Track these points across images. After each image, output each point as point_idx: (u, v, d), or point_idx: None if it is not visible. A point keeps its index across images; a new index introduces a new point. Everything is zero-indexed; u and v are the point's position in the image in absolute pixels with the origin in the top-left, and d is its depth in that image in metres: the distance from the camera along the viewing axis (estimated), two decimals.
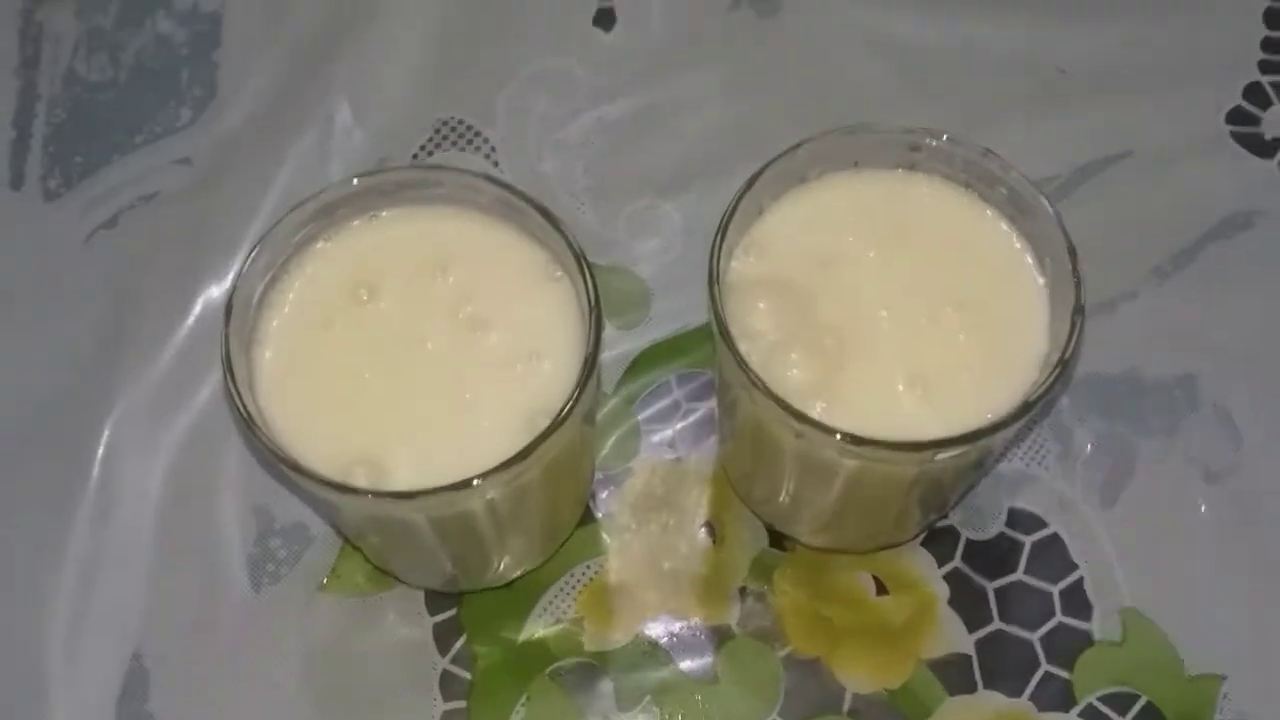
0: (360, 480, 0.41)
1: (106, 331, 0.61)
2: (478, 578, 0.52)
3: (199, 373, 0.60)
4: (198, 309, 0.61)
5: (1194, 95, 0.66)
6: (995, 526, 0.57)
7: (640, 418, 0.59)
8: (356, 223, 0.46)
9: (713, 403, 0.58)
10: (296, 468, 0.41)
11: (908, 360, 0.44)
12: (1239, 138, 0.65)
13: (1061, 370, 0.42)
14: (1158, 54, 0.67)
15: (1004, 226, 0.46)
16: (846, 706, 0.54)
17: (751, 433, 0.46)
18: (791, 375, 0.43)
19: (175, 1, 0.70)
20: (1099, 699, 0.54)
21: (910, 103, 0.64)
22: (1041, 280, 0.45)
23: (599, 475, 0.58)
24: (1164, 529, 0.57)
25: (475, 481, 0.40)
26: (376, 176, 0.45)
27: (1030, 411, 0.41)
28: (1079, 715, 0.53)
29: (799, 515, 0.52)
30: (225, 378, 0.42)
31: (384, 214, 0.47)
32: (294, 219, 0.45)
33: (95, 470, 0.58)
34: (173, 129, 0.66)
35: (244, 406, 0.41)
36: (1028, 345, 0.44)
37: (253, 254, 0.44)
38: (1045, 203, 0.44)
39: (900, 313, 0.45)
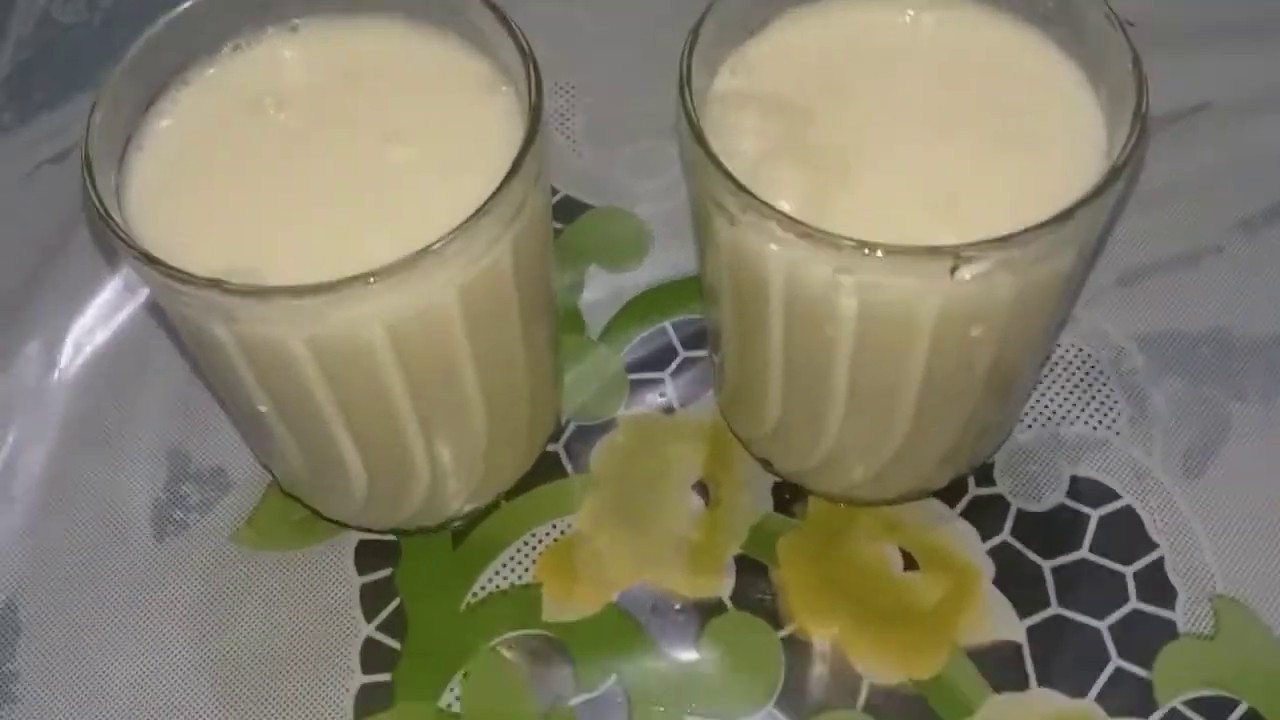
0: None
1: (32, 268, 0.54)
2: (403, 499, 0.42)
3: (122, 305, 0.52)
4: None
5: (1277, 47, 0.58)
6: (1054, 496, 0.46)
7: (628, 361, 0.50)
8: (271, 30, 0.39)
9: (716, 355, 0.49)
10: (151, 260, 0.33)
11: (928, 184, 0.35)
12: None
13: (1116, 179, 0.33)
14: (1237, 5, 0.59)
15: (1051, 45, 0.38)
16: (862, 700, 0.43)
17: (734, 291, 0.37)
18: (783, 199, 0.34)
19: None
20: (1186, 703, 0.42)
21: None
22: (1094, 97, 0.36)
23: (574, 426, 0.49)
24: (1263, 505, 0.46)
25: (364, 282, 0.31)
26: None
27: (1071, 219, 0.32)
28: None
29: (799, 433, 0.42)
30: (83, 170, 0.35)
31: (301, 22, 0.39)
32: (192, 16, 0.38)
33: None
34: None
35: (100, 202, 0.34)
36: (1080, 167, 0.35)
37: (140, 45, 0.37)
38: (1103, 5, 0.36)
39: (921, 132, 0.36)
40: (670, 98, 0.59)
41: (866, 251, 0.32)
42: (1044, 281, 0.35)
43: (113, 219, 0.34)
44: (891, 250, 0.32)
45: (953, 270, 0.32)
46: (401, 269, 0.32)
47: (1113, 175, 0.33)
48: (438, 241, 0.32)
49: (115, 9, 0.64)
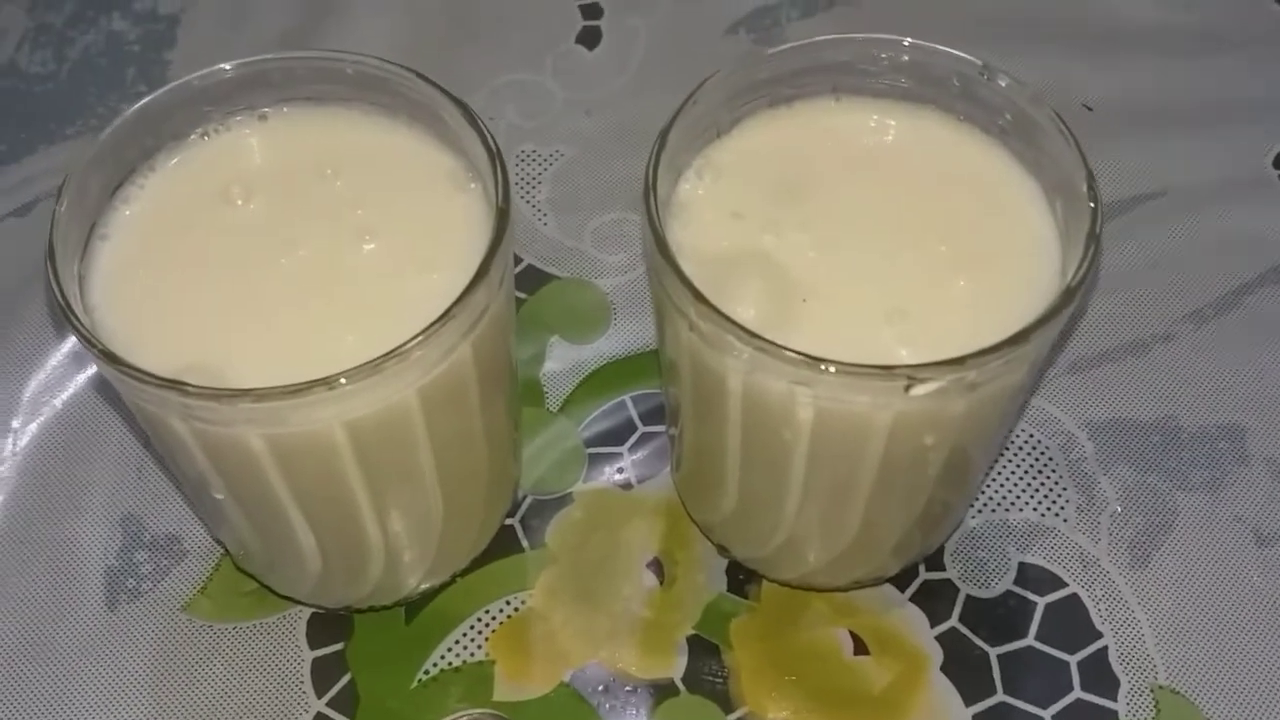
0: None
1: None
2: (357, 581, 0.42)
3: (81, 368, 0.52)
4: None
5: (1237, 137, 0.59)
6: (1001, 583, 0.47)
7: (585, 437, 0.51)
8: (239, 118, 0.40)
9: (674, 429, 0.50)
10: (112, 359, 0.33)
11: (886, 295, 0.36)
12: None
13: (1069, 301, 0.33)
14: (1196, 94, 0.61)
15: (1006, 156, 0.39)
16: None
17: (693, 387, 0.38)
18: (743, 306, 0.35)
19: (134, 3, 0.65)
20: None
21: None
22: (1050, 213, 0.37)
23: (530, 499, 0.49)
24: (1207, 596, 0.47)
25: (326, 386, 0.31)
26: (262, 63, 0.39)
27: (1026, 342, 0.33)
28: None
29: (754, 523, 0.42)
30: (46, 262, 0.35)
31: (270, 111, 0.40)
32: (162, 103, 0.38)
33: None
34: (110, 122, 0.61)
35: (61, 293, 0.34)
36: (1033, 283, 0.36)
37: (109, 133, 0.37)
38: (1058, 122, 0.37)
39: (878, 245, 0.37)
40: (638, 168, 0.60)
41: (822, 368, 0.32)
42: (996, 394, 0.35)
43: (73, 311, 0.34)
44: (846, 369, 0.32)
45: (906, 389, 0.32)
46: (363, 374, 0.32)
47: (1066, 297, 0.34)
48: (400, 347, 0.33)
49: (84, 59, 0.64)
